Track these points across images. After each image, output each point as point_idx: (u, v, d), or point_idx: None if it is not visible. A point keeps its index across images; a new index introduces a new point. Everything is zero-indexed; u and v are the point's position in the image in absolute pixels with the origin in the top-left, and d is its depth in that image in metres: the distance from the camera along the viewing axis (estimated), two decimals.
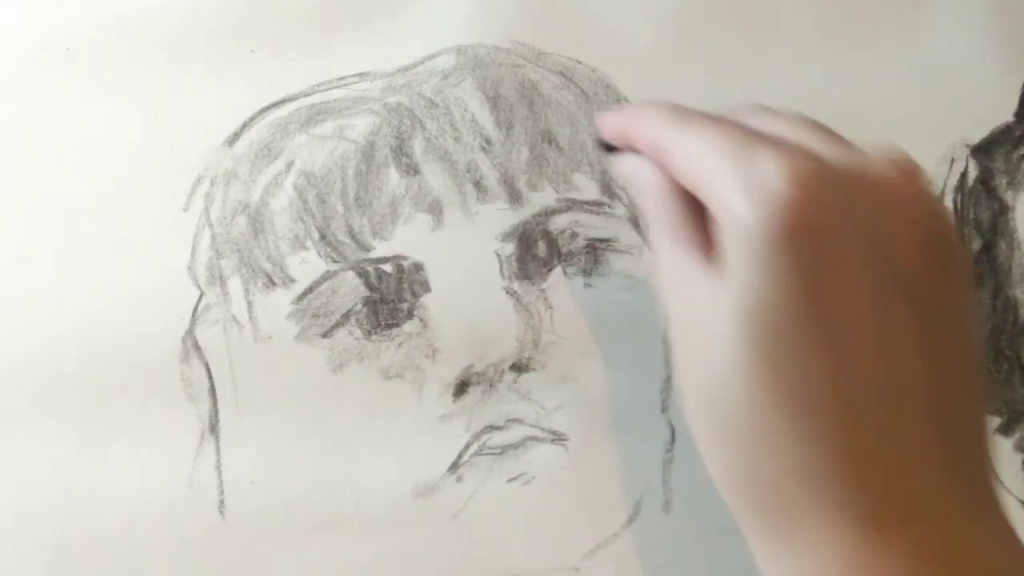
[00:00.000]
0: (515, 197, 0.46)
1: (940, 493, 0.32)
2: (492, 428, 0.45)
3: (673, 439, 0.46)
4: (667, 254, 0.36)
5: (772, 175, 0.32)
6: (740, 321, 0.32)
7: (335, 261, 0.45)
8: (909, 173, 0.34)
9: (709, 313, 0.33)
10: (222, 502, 0.44)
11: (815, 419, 0.32)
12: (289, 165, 0.46)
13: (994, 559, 0.32)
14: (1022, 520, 0.45)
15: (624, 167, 0.39)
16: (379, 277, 0.45)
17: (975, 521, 0.33)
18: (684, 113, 0.36)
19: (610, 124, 0.40)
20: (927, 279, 0.33)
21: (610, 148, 0.40)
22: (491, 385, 0.45)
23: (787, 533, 0.33)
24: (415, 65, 0.48)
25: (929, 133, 0.48)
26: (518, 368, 0.45)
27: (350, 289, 0.45)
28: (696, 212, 0.35)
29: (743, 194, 0.32)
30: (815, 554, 0.32)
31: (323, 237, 0.45)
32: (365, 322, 0.45)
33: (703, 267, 0.34)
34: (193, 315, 0.45)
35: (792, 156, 0.32)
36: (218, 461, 0.44)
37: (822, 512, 0.32)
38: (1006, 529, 0.33)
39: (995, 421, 0.47)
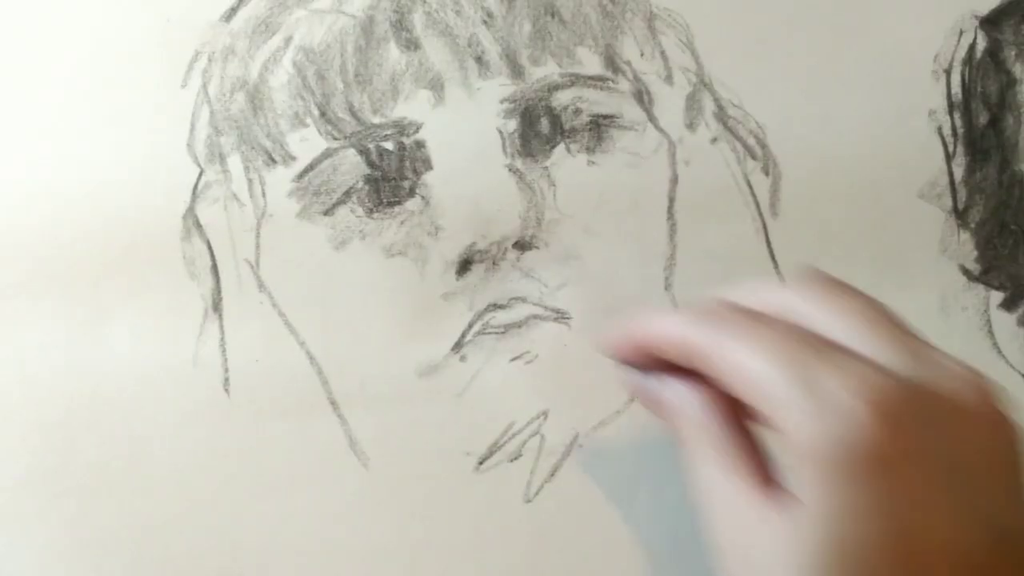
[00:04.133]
0: (517, 72, 0.45)
1: None
2: (495, 307, 0.45)
3: None
4: (720, 484, 0.31)
5: (844, 393, 0.28)
6: (815, 563, 0.28)
7: (335, 138, 0.45)
8: (986, 394, 0.30)
9: (774, 554, 0.29)
10: (227, 380, 0.44)
11: None
12: (287, 41, 0.45)
13: None
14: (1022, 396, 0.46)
15: (649, 387, 0.34)
16: (380, 154, 0.45)
17: None
18: (721, 313, 0.32)
19: (622, 343, 0.35)
20: (1012, 519, 0.29)
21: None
22: (494, 263, 0.45)
23: None
24: None
25: (938, 3, 0.47)
26: (521, 246, 0.45)
27: (351, 167, 0.45)
28: (746, 434, 0.32)
29: (812, 415, 0.28)
30: None
31: (323, 114, 0.45)
32: (367, 200, 0.45)
33: (763, 499, 0.30)
34: (193, 193, 0.45)
35: (863, 371, 0.29)
36: (222, 339, 0.45)
37: None
38: None
39: (999, 296, 0.47)
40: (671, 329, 0.33)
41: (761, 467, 0.31)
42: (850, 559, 0.28)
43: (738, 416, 0.32)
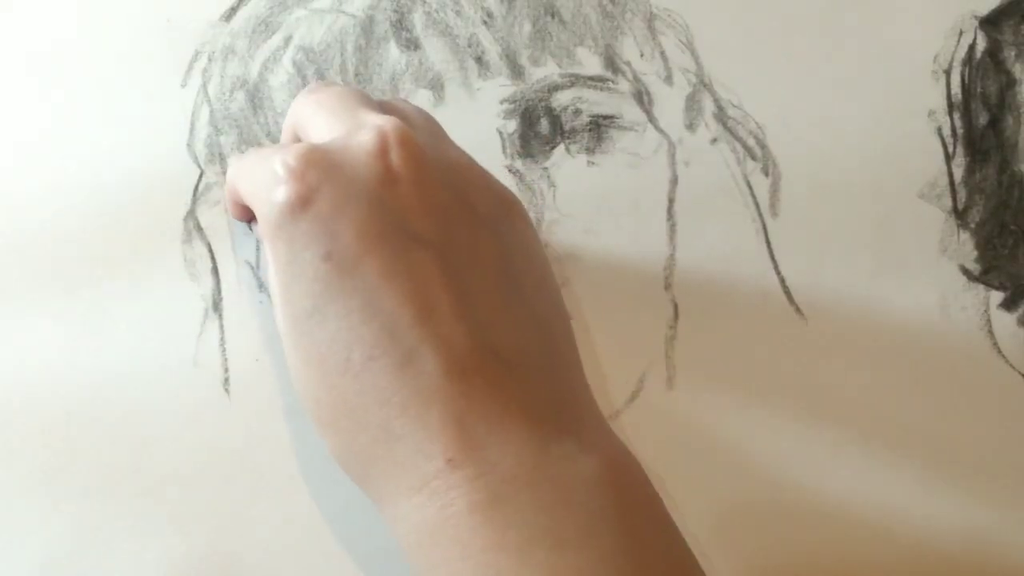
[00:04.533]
0: (517, 72, 0.46)
1: (509, 423, 0.34)
2: None
3: (676, 316, 0.46)
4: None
5: (277, 170, 0.35)
6: (293, 329, 0.36)
7: None
8: (392, 136, 0.36)
9: (282, 335, 0.37)
10: (227, 380, 0.44)
11: (378, 377, 0.34)
12: (287, 40, 0.45)
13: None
14: (1022, 396, 0.46)
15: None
16: None
17: (553, 443, 0.34)
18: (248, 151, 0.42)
19: (230, 204, 0.43)
20: (437, 223, 0.35)
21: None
22: None
23: (391, 489, 0.35)
24: None
25: (938, 3, 0.47)
26: None
27: None
28: None
29: (263, 194, 0.36)
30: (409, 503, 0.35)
31: None
32: None
33: None
34: (194, 195, 0.45)
35: (294, 149, 0.36)
36: (222, 339, 0.44)
37: (401, 461, 0.34)
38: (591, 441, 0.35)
39: (999, 296, 0.47)
40: (228, 178, 0.41)
41: None
42: (295, 281, 0.35)
43: None
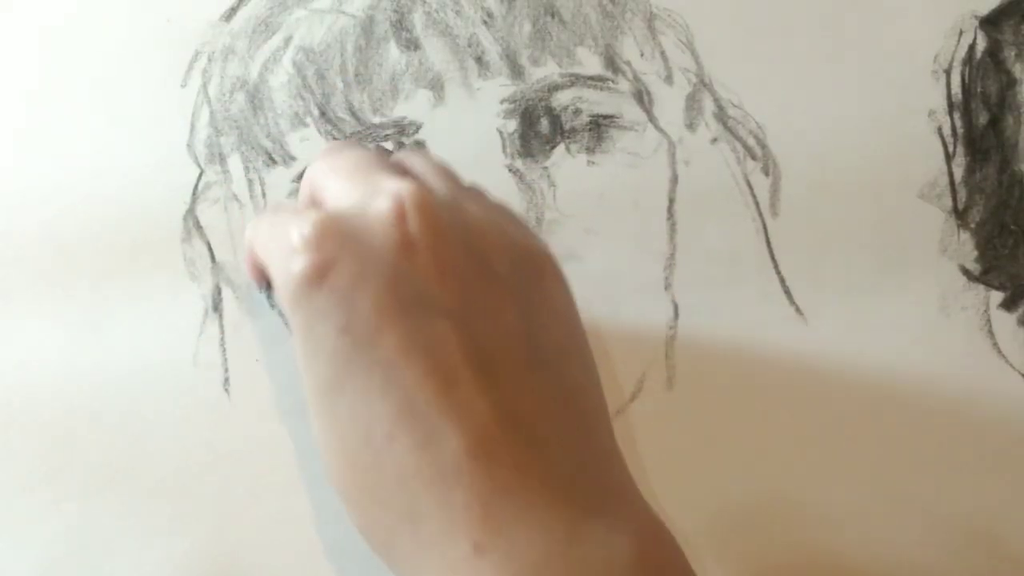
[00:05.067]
0: (517, 72, 0.45)
1: (537, 504, 0.32)
2: None
3: (676, 316, 0.46)
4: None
5: (294, 238, 0.34)
6: (314, 403, 0.35)
7: (335, 138, 0.45)
8: (408, 201, 0.35)
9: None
10: (227, 380, 0.44)
11: (399, 455, 0.33)
12: (287, 40, 0.45)
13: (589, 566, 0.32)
14: (1022, 396, 0.46)
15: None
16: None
17: (582, 523, 0.33)
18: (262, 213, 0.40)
19: (249, 267, 0.41)
20: (453, 292, 0.34)
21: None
22: None
23: (416, 569, 0.34)
24: None
25: (938, 3, 0.47)
26: None
27: None
28: None
29: (281, 263, 0.35)
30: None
31: (323, 114, 0.45)
32: None
33: None
34: (194, 194, 0.45)
35: (310, 216, 0.35)
36: (222, 339, 0.45)
37: (426, 543, 0.33)
38: (621, 525, 0.33)
39: (999, 296, 0.47)
40: (246, 240, 0.40)
41: None
42: (314, 354, 0.34)
43: None
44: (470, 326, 0.34)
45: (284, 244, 0.35)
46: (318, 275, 0.34)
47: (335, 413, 0.34)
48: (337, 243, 0.34)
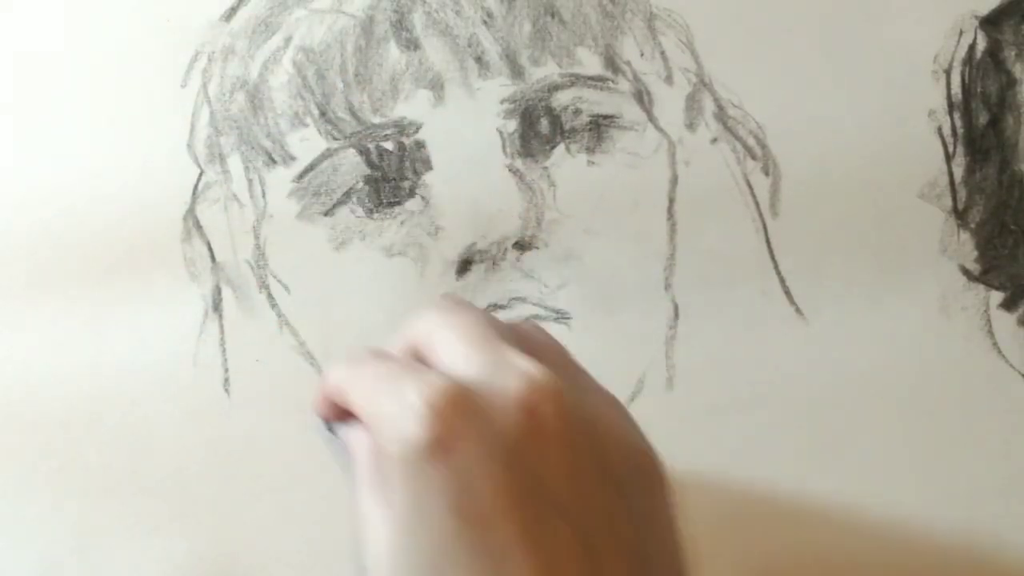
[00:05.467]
0: (517, 72, 0.45)
1: None
2: (495, 307, 0.45)
3: (676, 316, 0.46)
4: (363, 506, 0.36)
5: (415, 400, 0.32)
6: (400, 560, 0.32)
7: (335, 138, 0.45)
8: (544, 388, 0.33)
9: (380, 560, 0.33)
10: (227, 380, 0.44)
11: None
12: (287, 41, 0.45)
13: None
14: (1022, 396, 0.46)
15: (337, 440, 0.39)
16: (380, 155, 0.45)
17: None
18: (357, 358, 0.36)
19: (320, 401, 0.39)
20: (575, 492, 0.33)
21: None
22: (494, 263, 0.45)
23: None
24: None
25: (938, 3, 0.47)
26: (521, 246, 0.45)
27: (351, 167, 0.45)
28: None
29: (396, 424, 0.33)
30: None
31: (323, 114, 0.45)
32: (367, 200, 0.45)
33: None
34: (194, 193, 0.45)
35: (432, 380, 0.33)
36: (222, 339, 0.45)
37: None
38: None
39: (999, 296, 0.47)
40: (331, 379, 0.37)
41: None
42: (417, 530, 0.32)
43: None
44: (585, 528, 0.33)
45: (400, 404, 0.33)
46: (440, 450, 0.32)
47: None
48: (465, 419, 0.32)
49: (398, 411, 0.33)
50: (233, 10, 0.46)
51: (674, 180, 0.46)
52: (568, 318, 0.45)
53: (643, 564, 0.34)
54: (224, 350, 0.45)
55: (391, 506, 0.33)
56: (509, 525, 0.32)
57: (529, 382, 0.33)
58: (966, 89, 0.47)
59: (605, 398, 0.36)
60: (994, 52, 0.47)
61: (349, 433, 0.36)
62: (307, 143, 0.45)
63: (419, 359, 0.36)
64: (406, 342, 0.37)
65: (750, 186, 0.47)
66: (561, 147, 0.46)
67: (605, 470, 0.34)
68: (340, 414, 0.37)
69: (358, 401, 0.35)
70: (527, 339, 0.36)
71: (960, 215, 0.47)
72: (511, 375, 0.33)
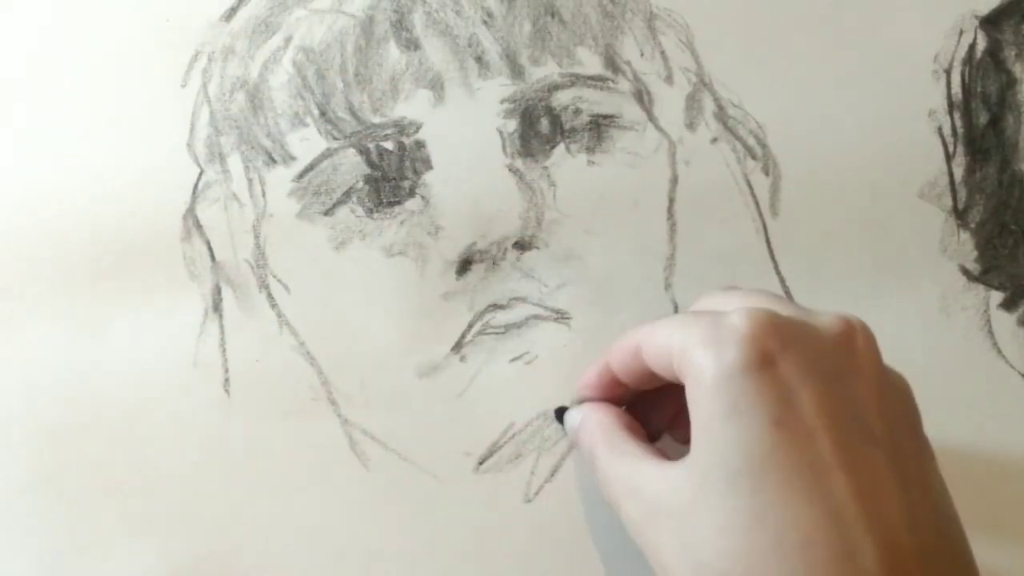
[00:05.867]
0: (517, 72, 0.45)
1: None
2: (495, 307, 0.45)
3: None
4: (611, 466, 0.38)
5: (735, 324, 0.34)
6: (714, 488, 0.33)
7: (335, 138, 0.45)
8: (859, 328, 0.36)
9: (677, 501, 0.34)
10: (227, 380, 0.44)
11: (814, 563, 0.32)
12: (287, 40, 0.45)
13: None
14: (1022, 396, 0.46)
15: (571, 418, 0.42)
16: (380, 154, 0.45)
17: None
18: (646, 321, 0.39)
19: (589, 378, 0.41)
20: (885, 425, 0.34)
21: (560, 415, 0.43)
22: (494, 263, 0.45)
23: None
24: None
25: (938, 3, 0.47)
26: (521, 246, 0.45)
27: (351, 167, 0.45)
28: (638, 433, 0.39)
29: (710, 348, 0.34)
30: None
31: (323, 114, 0.45)
32: (367, 200, 0.45)
33: (657, 464, 0.36)
34: (193, 193, 0.45)
35: (752, 310, 0.34)
36: (222, 339, 0.45)
37: None
38: None
39: (999, 296, 0.47)
40: (629, 335, 0.39)
41: (650, 448, 0.37)
42: (745, 466, 0.32)
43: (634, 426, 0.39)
44: (898, 462, 0.34)
45: (718, 330, 0.34)
46: (761, 362, 0.33)
47: (739, 503, 0.32)
48: (782, 340, 0.33)
49: (716, 334, 0.34)
50: (233, 10, 0.46)
51: (674, 180, 0.46)
52: (568, 318, 0.45)
53: (941, 499, 0.35)
54: (224, 350, 0.44)
55: (705, 418, 0.33)
56: (829, 442, 0.33)
57: (843, 319, 0.35)
58: (966, 89, 0.47)
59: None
60: (994, 52, 0.47)
61: (579, 411, 0.41)
62: (307, 143, 0.45)
63: None
64: (705, 306, 0.39)
65: (750, 186, 0.47)
66: (561, 147, 0.46)
67: (905, 413, 0.36)
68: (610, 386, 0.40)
69: (661, 343, 0.36)
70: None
71: (960, 215, 0.47)
72: (825, 317, 0.35)
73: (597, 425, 0.39)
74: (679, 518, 0.34)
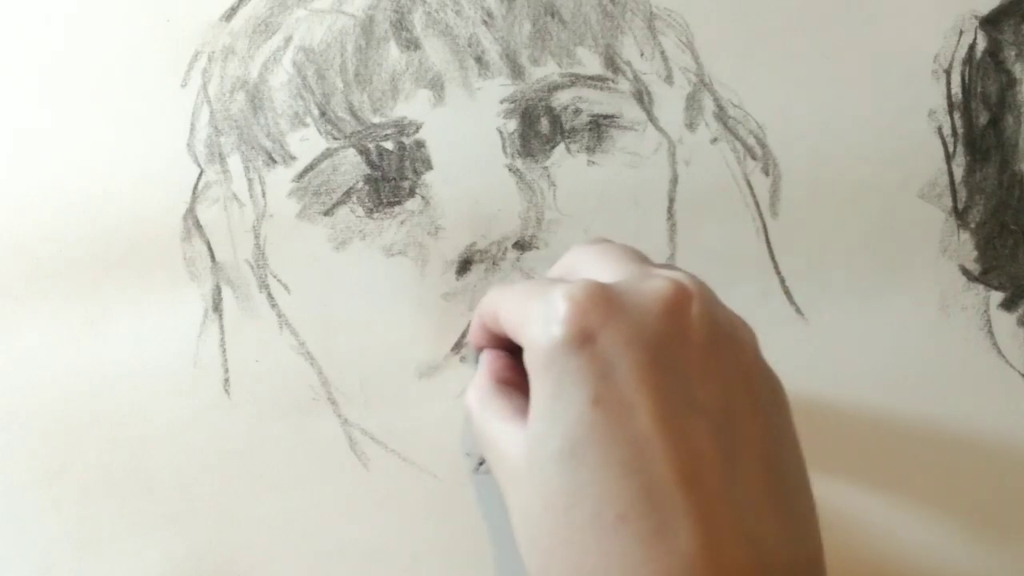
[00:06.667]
0: (517, 72, 0.45)
1: None
2: None
3: None
4: (479, 425, 0.37)
5: (557, 300, 0.33)
6: (541, 467, 0.33)
7: (335, 138, 0.45)
8: (694, 292, 0.34)
9: (520, 470, 0.34)
10: (227, 380, 0.44)
11: (628, 541, 0.31)
12: (287, 40, 0.45)
13: None
14: (1022, 396, 0.46)
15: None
16: (380, 154, 0.45)
17: None
18: (511, 282, 0.39)
19: (476, 327, 0.40)
20: (713, 392, 0.33)
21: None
22: (494, 263, 0.45)
23: None
24: None
25: (938, 3, 0.47)
26: (521, 246, 0.45)
27: (351, 167, 0.45)
28: (512, 389, 0.37)
29: (538, 325, 0.33)
30: None
31: (323, 114, 0.45)
32: (367, 200, 0.45)
33: (513, 427, 0.35)
34: (193, 193, 0.45)
35: (576, 283, 0.34)
36: (222, 339, 0.45)
37: None
38: None
39: (999, 296, 0.47)
40: (485, 302, 0.38)
41: (518, 407, 0.36)
42: (562, 439, 0.32)
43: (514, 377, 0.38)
44: (725, 432, 0.33)
45: (545, 306, 0.33)
46: (580, 339, 0.32)
47: (561, 483, 0.32)
48: (604, 312, 0.33)
49: (544, 313, 0.33)
50: (233, 10, 0.46)
51: (674, 180, 0.46)
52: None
53: (778, 478, 0.34)
54: (224, 350, 0.44)
55: (535, 401, 0.33)
56: (648, 414, 0.32)
57: (675, 284, 0.34)
58: (966, 89, 0.47)
59: (741, 320, 0.36)
60: (994, 52, 0.47)
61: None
62: (307, 143, 0.45)
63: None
64: (557, 272, 0.39)
65: (750, 186, 0.47)
66: (561, 147, 0.46)
67: (744, 379, 0.34)
68: (492, 342, 0.39)
69: (508, 315, 0.36)
70: (669, 266, 0.37)
71: (960, 215, 0.47)
72: (656, 280, 0.34)
73: (476, 381, 0.39)
74: (522, 489, 0.34)
